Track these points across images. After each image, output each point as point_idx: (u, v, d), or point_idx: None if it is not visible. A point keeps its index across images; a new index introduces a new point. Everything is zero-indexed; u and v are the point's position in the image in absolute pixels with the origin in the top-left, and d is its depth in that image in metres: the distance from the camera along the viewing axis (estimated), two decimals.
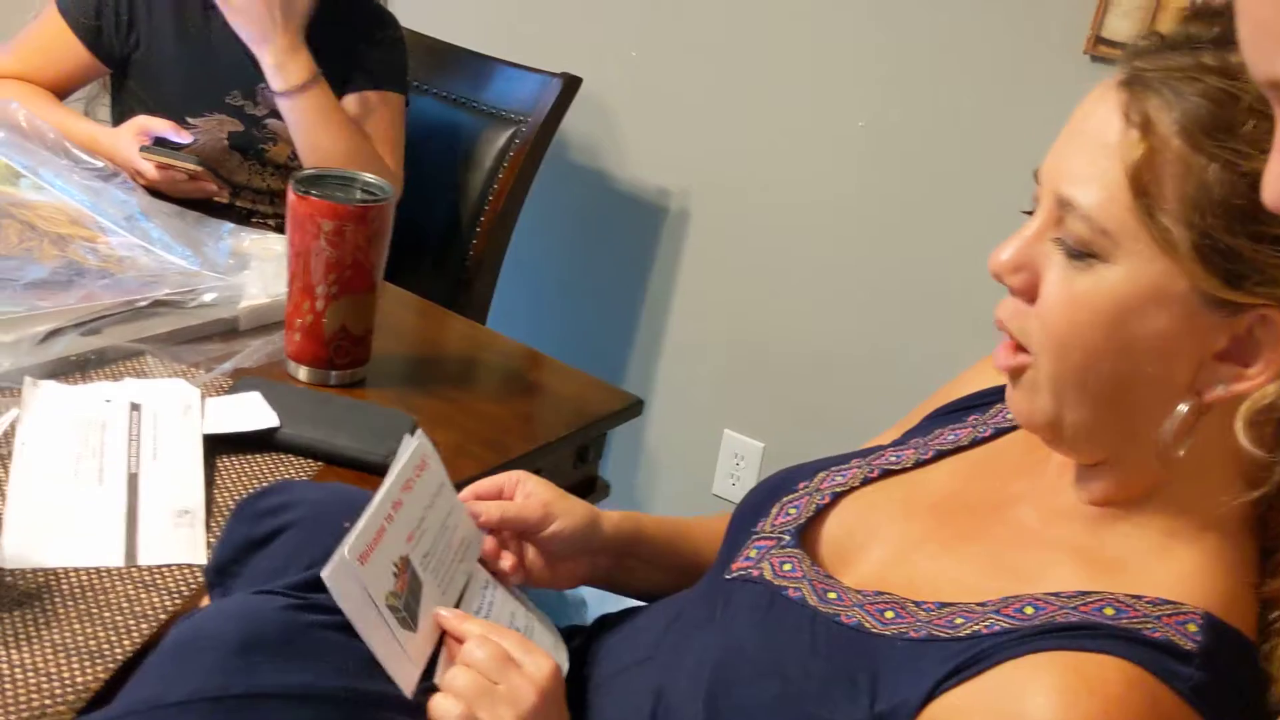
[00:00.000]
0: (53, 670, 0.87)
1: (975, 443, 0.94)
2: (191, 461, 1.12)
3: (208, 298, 1.37)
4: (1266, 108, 0.53)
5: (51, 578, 0.95)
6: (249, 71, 1.68)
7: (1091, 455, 0.80)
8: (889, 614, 0.82)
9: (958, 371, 1.06)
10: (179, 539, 1.03)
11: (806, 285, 2.09)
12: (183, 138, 1.64)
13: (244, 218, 1.76)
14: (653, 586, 1.06)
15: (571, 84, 1.97)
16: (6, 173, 1.54)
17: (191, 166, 1.61)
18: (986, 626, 0.76)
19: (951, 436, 0.95)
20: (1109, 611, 0.74)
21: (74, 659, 0.88)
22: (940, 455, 0.94)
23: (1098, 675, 0.70)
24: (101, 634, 0.91)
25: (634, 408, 1.43)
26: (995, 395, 0.95)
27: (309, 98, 1.64)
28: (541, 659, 0.82)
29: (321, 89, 1.65)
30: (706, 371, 2.25)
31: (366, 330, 1.32)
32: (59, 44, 1.75)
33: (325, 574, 0.76)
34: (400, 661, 0.80)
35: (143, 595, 0.96)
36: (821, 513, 0.94)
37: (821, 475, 0.96)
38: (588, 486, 1.42)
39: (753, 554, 0.92)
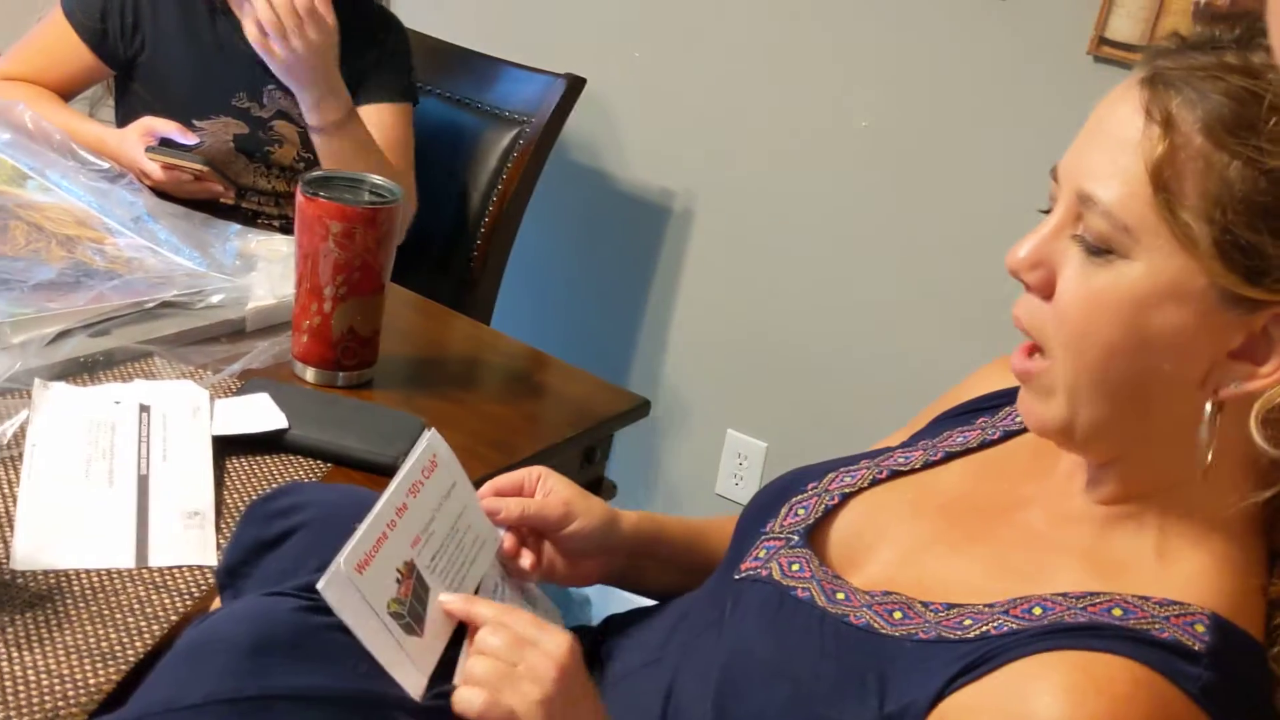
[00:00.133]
0: (65, 672, 0.87)
1: (984, 445, 0.94)
2: (201, 463, 1.12)
3: (215, 299, 1.38)
4: None
5: (62, 579, 0.96)
6: (254, 74, 1.69)
7: (1104, 453, 0.80)
8: (898, 615, 0.82)
9: (960, 371, 1.06)
10: (189, 540, 1.03)
11: (810, 285, 2.10)
12: (189, 139, 1.64)
13: (250, 219, 1.76)
14: (664, 586, 1.06)
15: (575, 85, 1.98)
16: (13, 174, 1.54)
17: (197, 167, 1.62)
18: (995, 627, 0.77)
19: (960, 439, 0.96)
20: (1117, 612, 0.74)
21: (86, 660, 0.88)
22: (949, 457, 0.95)
23: (1105, 675, 0.71)
24: (113, 635, 0.91)
25: (641, 409, 1.43)
26: (1003, 398, 0.96)
27: (346, 132, 1.66)
28: (559, 635, 0.81)
29: (356, 123, 1.67)
30: (709, 371, 2.25)
31: (374, 332, 1.33)
32: (64, 46, 1.75)
33: (320, 585, 0.76)
34: (405, 668, 0.80)
35: (154, 596, 0.96)
36: (830, 514, 0.94)
37: (830, 476, 0.97)
38: (594, 487, 1.42)
39: (761, 554, 0.93)
